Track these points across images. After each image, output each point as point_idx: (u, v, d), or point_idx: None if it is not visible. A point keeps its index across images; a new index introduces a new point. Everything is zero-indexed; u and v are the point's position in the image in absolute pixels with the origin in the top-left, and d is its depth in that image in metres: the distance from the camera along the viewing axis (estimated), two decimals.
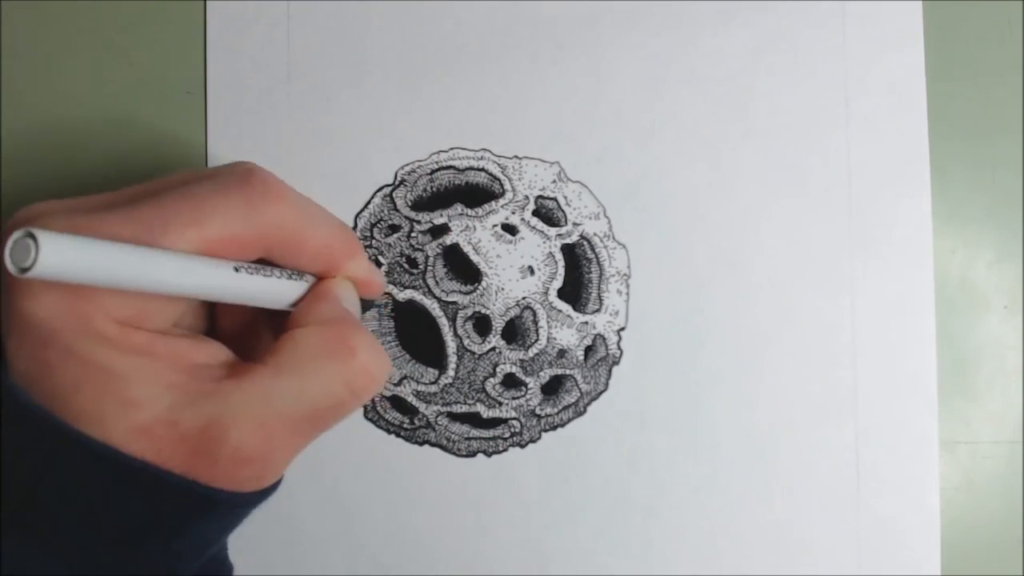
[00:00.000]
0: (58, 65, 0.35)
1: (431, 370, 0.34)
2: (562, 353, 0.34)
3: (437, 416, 0.34)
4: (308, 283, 0.27)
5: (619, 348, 0.34)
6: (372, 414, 0.34)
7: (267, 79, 0.35)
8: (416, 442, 0.34)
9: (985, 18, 0.35)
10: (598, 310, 0.34)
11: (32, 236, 0.19)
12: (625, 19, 0.35)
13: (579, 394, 0.34)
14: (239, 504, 0.24)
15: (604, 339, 0.34)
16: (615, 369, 0.34)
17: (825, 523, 0.34)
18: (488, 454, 0.34)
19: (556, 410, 0.34)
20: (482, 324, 0.34)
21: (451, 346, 0.34)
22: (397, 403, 0.34)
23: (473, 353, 0.34)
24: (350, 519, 0.34)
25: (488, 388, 0.34)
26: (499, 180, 0.35)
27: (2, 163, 0.35)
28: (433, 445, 0.34)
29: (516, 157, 0.35)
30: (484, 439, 0.34)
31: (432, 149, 0.35)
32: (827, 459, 0.34)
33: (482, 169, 0.35)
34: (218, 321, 0.29)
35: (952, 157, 0.35)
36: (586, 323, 0.34)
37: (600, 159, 0.35)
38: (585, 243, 0.35)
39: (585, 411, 0.34)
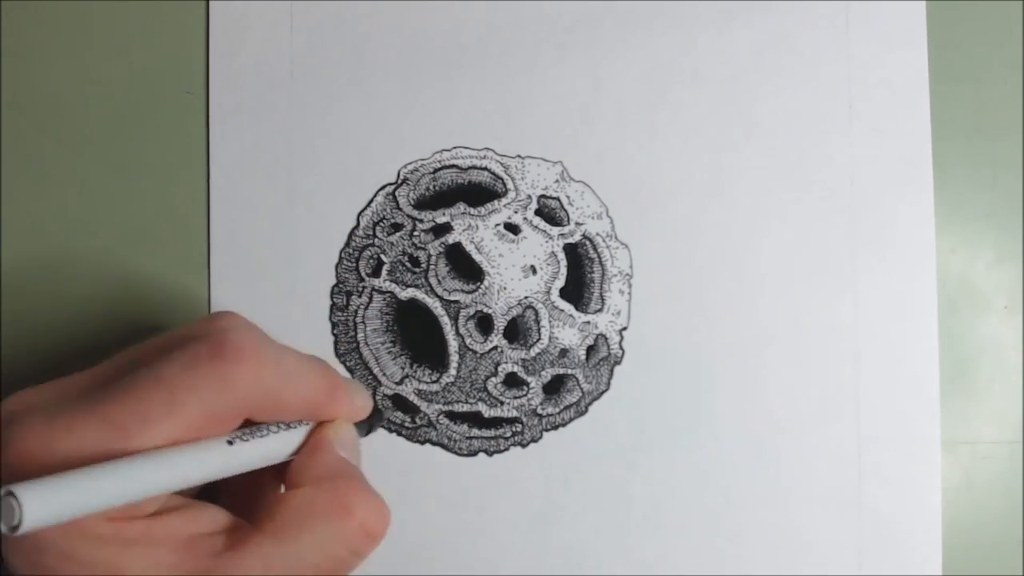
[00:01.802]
0: (58, 65, 0.35)
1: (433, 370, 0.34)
2: (564, 353, 0.34)
3: (438, 415, 0.34)
4: (304, 429, 0.27)
5: (621, 348, 0.34)
6: None
7: (270, 78, 0.35)
8: (417, 441, 0.34)
9: (987, 19, 0.35)
10: (600, 310, 0.34)
11: (12, 495, 0.20)
12: (628, 19, 0.35)
13: (581, 394, 0.34)
14: None
15: (606, 339, 0.34)
16: (617, 369, 0.34)
17: (826, 523, 0.34)
18: (489, 453, 0.34)
19: (558, 410, 0.34)
20: (484, 323, 0.34)
21: (453, 345, 0.34)
22: (399, 402, 0.34)
23: (475, 352, 0.34)
24: None
25: (490, 387, 0.34)
26: (502, 179, 0.35)
27: (2, 163, 0.35)
28: (434, 444, 0.34)
29: (519, 156, 0.35)
30: (485, 438, 0.34)
31: (435, 148, 0.35)
32: (829, 459, 0.34)
33: (485, 168, 0.35)
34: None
35: (953, 157, 0.35)
36: (588, 323, 0.34)
37: (603, 159, 0.35)
38: (587, 243, 0.35)
39: (587, 411, 0.34)
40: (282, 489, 0.27)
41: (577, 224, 0.35)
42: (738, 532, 0.34)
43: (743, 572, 0.34)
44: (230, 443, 0.24)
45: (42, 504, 0.20)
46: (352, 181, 0.35)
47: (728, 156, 0.35)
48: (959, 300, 0.35)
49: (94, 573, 0.23)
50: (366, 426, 0.29)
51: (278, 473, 0.27)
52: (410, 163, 0.35)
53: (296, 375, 0.26)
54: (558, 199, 0.35)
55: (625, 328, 0.34)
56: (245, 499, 0.27)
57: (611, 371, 0.34)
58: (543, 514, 0.34)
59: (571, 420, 0.34)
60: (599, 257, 0.35)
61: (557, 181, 0.35)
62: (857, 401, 0.34)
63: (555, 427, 0.34)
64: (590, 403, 0.34)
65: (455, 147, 0.35)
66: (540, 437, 0.34)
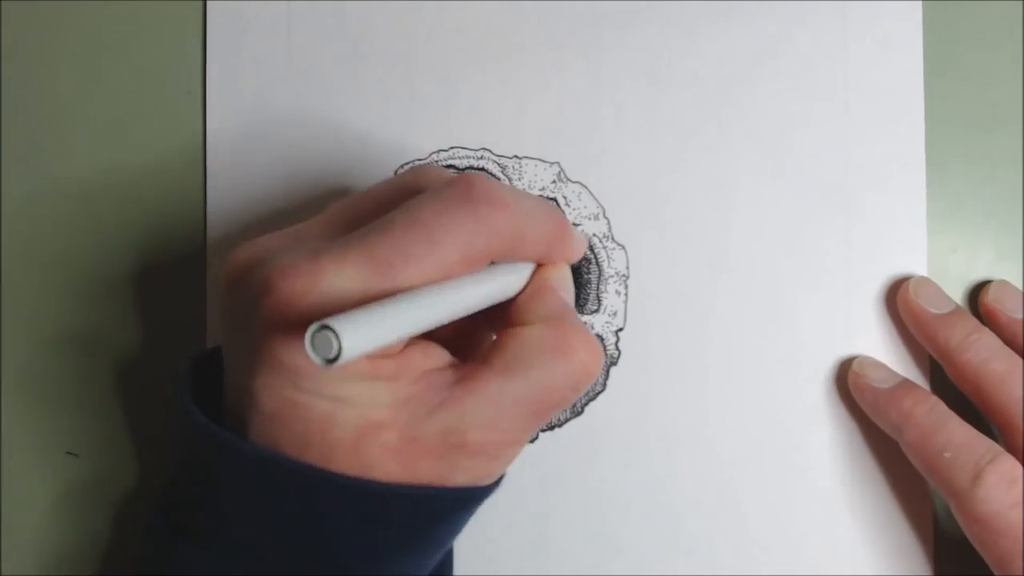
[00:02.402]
0: (57, 65, 0.35)
1: None
2: None
3: None
4: (529, 269, 0.28)
5: (617, 349, 0.34)
6: None
7: (267, 79, 0.35)
8: None
9: (985, 17, 0.35)
10: (597, 310, 0.35)
11: (330, 328, 0.20)
12: (625, 20, 0.35)
13: None
14: (479, 499, 0.27)
15: (602, 339, 0.34)
16: (613, 370, 0.34)
17: (822, 523, 0.34)
18: None
19: None
20: None
21: None
22: None
23: None
24: None
25: None
26: (499, 180, 0.35)
27: (2, 163, 0.35)
28: None
29: (516, 157, 0.35)
30: None
31: (432, 149, 0.35)
32: (823, 459, 0.34)
33: (482, 169, 0.35)
34: None
35: (951, 155, 0.35)
36: (584, 323, 0.34)
37: (600, 160, 0.35)
38: None
39: (583, 411, 0.34)
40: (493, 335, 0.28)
41: (574, 225, 0.35)
42: (734, 533, 0.34)
43: (739, 572, 0.34)
44: (478, 284, 0.25)
45: (357, 335, 0.21)
46: (349, 182, 0.35)
47: (725, 157, 0.35)
48: (958, 300, 0.34)
49: (345, 406, 0.24)
50: None
51: (490, 319, 0.28)
52: (407, 164, 0.35)
53: (535, 217, 0.27)
54: (555, 200, 0.35)
55: (621, 329, 0.34)
56: (458, 343, 0.28)
57: (607, 372, 0.34)
58: (539, 515, 0.34)
59: (567, 421, 0.34)
60: (596, 258, 0.35)
61: (554, 182, 0.35)
62: (852, 401, 0.34)
63: (551, 428, 0.34)
64: (586, 404, 0.34)
65: (452, 147, 0.35)
66: (536, 438, 0.34)
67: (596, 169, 0.35)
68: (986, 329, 0.32)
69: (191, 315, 0.35)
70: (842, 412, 0.34)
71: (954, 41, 0.35)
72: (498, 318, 0.27)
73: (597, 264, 0.35)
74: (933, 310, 0.33)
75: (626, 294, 0.35)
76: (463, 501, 0.26)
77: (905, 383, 0.33)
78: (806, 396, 0.34)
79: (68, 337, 0.35)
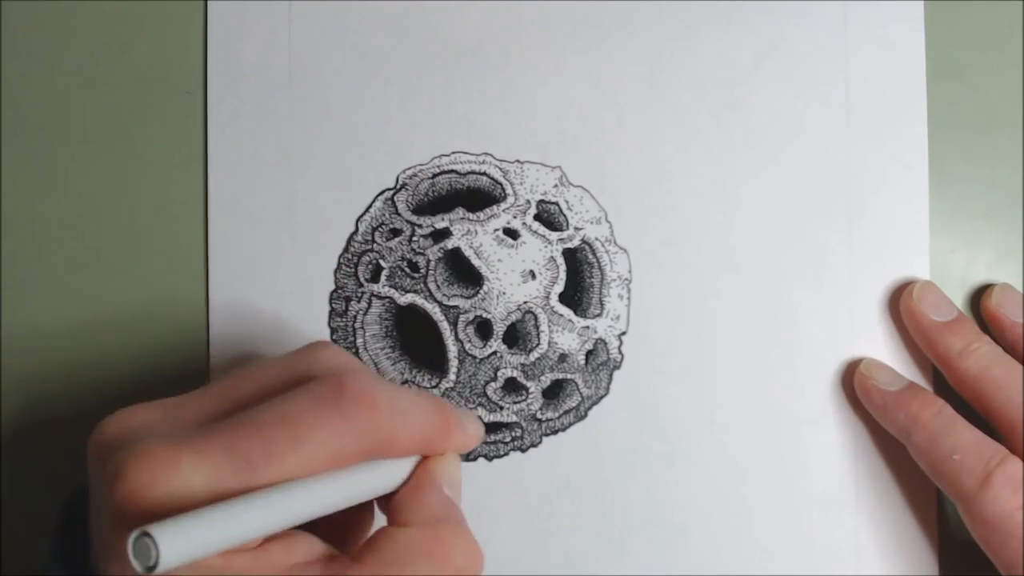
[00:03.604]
0: (57, 65, 0.35)
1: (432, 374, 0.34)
2: (563, 357, 0.34)
3: None
4: (411, 462, 0.27)
5: (620, 352, 0.34)
6: None
7: (268, 81, 0.35)
8: None
9: (985, 17, 0.35)
10: (599, 314, 0.35)
11: (149, 536, 0.20)
12: (627, 23, 0.35)
13: (580, 398, 0.34)
14: None
15: (605, 343, 0.34)
16: (616, 374, 0.34)
17: (825, 524, 0.34)
18: (489, 458, 0.34)
19: (557, 414, 0.34)
20: (483, 328, 0.34)
21: (452, 350, 0.34)
22: None
23: (474, 357, 0.34)
24: None
25: (489, 392, 0.34)
26: (501, 184, 0.35)
27: (2, 163, 0.35)
28: None
29: (518, 161, 0.35)
30: (485, 443, 0.34)
31: (434, 153, 0.35)
32: (827, 462, 0.34)
33: (484, 173, 0.35)
34: None
35: (952, 155, 0.35)
36: (587, 327, 0.34)
37: (602, 164, 0.35)
38: (586, 247, 0.35)
39: (586, 415, 0.34)
40: (381, 520, 0.28)
41: (576, 229, 0.35)
42: (738, 536, 0.34)
43: (743, 574, 0.34)
44: (345, 479, 0.25)
45: (178, 545, 0.20)
46: (351, 186, 0.34)
47: (727, 160, 0.35)
48: (958, 300, 0.34)
49: None
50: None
51: (370, 504, 0.28)
52: (409, 168, 0.35)
53: (411, 415, 0.26)
54: (557, 204, 0.35)
55: (624, 333, 0.34)
56: (337, 528, 0.28)
57: (610, 376, 0.34)
58: (543, 519, 0.34)
59: (570, 425, 0.34)
60: (598, 262, 0.35)
61: (556, 186, 0.35)
62: (855, 403, 0.34)
63: (555, 432, 0.34)
64: (589, 408, 0.34)
65: (454, 152, 0.35)
66: (540, 442, 0.34)
67: (598, 173, 0.35)
68: (986, 337, 0.33)
69: (191, 319, 0.34)
70: (846, 414, 0.34)
71: (954, 41, 0.35)
72: (385, 503, 0.27)
73: (600, 268, 0.35)
74: (935, 317, 0.33)
75: (629, 298, 0.34)
76: None
77: (912, 386, 0.33)
78: (809, 398, 0.34)
79: (65, 341, 0.35)
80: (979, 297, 0.34)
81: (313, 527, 0.26)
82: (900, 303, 0.34)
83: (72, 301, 0.35)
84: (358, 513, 0.29)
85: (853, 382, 0.34)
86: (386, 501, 0.27)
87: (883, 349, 0.34)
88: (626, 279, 0.35)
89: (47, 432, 0.35)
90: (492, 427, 0.34)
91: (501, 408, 0.34)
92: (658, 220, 0.35)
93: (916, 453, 0.32)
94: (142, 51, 0.35)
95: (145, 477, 0.23)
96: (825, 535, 0.34)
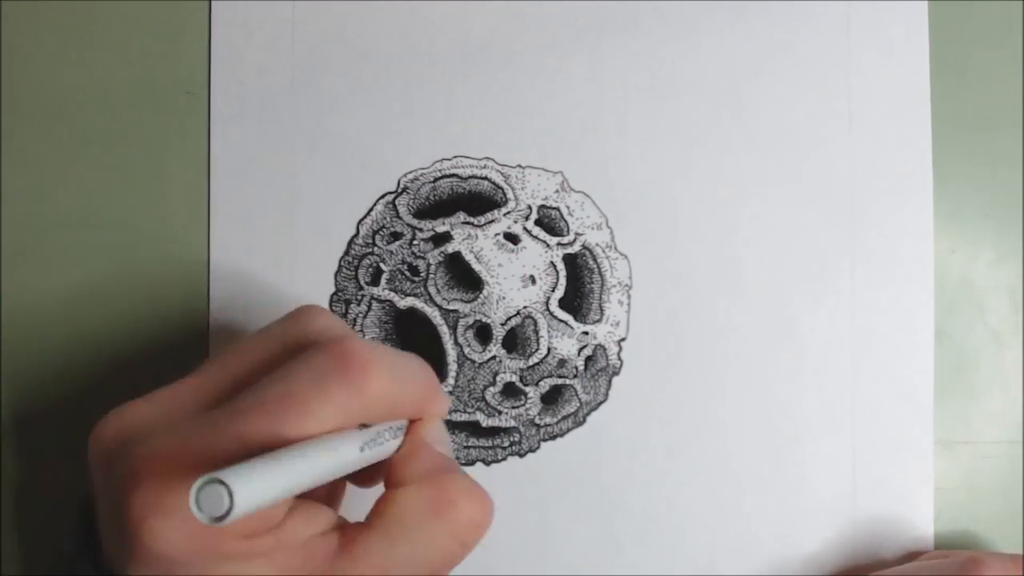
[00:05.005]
0: (59, 65, 0.35)
1: None
2: (562, 363, 0.34)
3: None
4: (403, 426, 0.27)
5: (619, 359, 0.34)
6: None
7: (271, 84, 0.35)
8: None
9: (985, 17, 0.35)
10: (599, 320, 0.34)
11: (222, 482, 0.19)
12: (629, 27, 0.35)
13: (579, 404, 0.34)
14: None
15: (605, 349, 0.34)
16: (615, 380, 0.34)
17: (823, 531, 0.34)
18: (487, 463, 0.34)
19: (555, 420, 0.34)
20: (483, 333, 0.34)
21: (451, 354, 0.34)
22: None
23: (473, 362, 0.34)
24: None
25: (488, 397, 0.34)
26: (502, 189, 0.35)
27: (2, 162, 0.35)
28: None
29: (519, 166, 0.35)
30: (483, 448, 0.34)
31: (435, 157, 0.35)
32: (825, 467, 0.34)
33: (485, 178, 0.35)
34: None
35: (952, 155, 0.35)
36: (587, 333, 0.34)
37: (603, 169, 0.35)
38: (587, 253, 0.35)
39: (585, 421, 0.34)
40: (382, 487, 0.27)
41: (577, 234, 0.35)
42: (737, 542, 0.34)
43: None
44: (361, 450, 0.25)
45: (251, 490, 0.20)
46: (352, 189, 0.34)
47: (728, 165, 0.35)
48: (959, 300, 0.34)
49: None
50: None
51: (366, 472, 0.27)
52: (410, 172, 0.35)
53: (407, 379, 0.26)
54: (558, 209, 0.35)
55: (624, 339, 0.34)
56: (334, 497, 0.28)
57: (609, 382, 0.34)
58: (541, 524, 0.34)
59: (569, 430, 0.34)
60: (599, 267, 0.35)
61: (557, 191, 0.35)
62: (853, 409, 0.34)
63: (553, 437, 0.34)
64: (588, 413, 0.34)
65: (456, 156, 0.35)
66: (538, 447, 0.34)
67: (600, 178, 0.35)
68: None
69: (192, 320, 0.34)
70: (845, 423, 0.34)
71: (954, 41, 0.35)
72: (374, 473, 0.27)
73: (600, 274, 0.35)
74: None
75: (629, 304, 0.34)
76: None
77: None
78: (809, 406, 0.34)
79: (66, 339, 0.35)
80: (977, 295, 0.34)
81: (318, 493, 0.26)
82: None
83: (73, 301, 0.35)
84: (331, 484, 0.28)
85: (852, 387, 0.34)
86: (377, 470, 0.27)
87: (881, 358, 0.34)
88: (626, 285, 0.35)
89: (48, 431, 0.35)
90: (490, 432, 0.34)
91: (500, 413, 0.34)
92: (659, 226, 0.35)
93: None
94: (145, 51, 0.35)
95: (153, 474, 0.23)
96: (823, 543, 0.34)
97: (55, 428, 0.35)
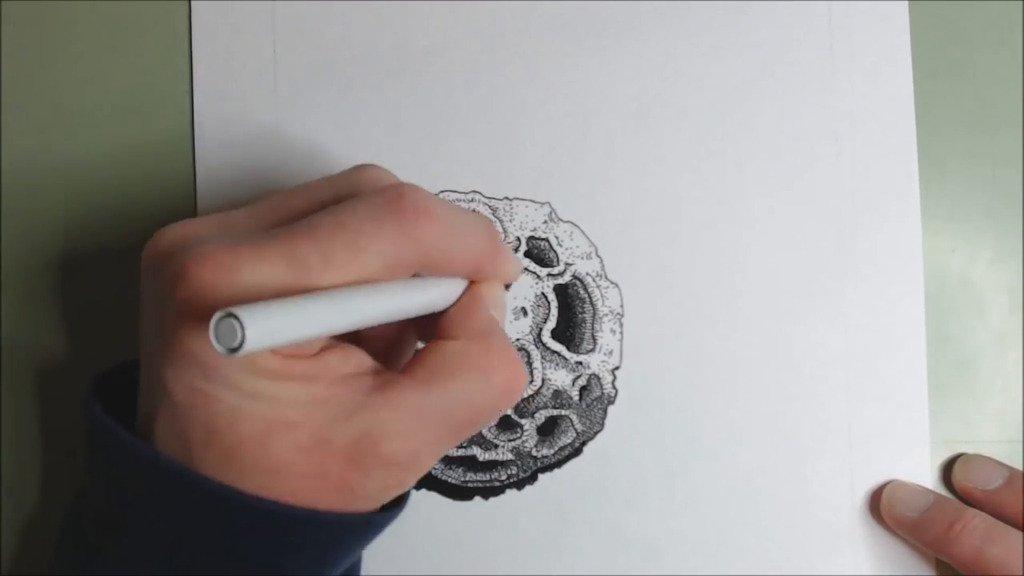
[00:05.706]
0: (50, 64, 0.35)
1: None
2: (557, 394, 0.34)
3: None
4: (462, 284, 0.27)
5: (614, 387, 0.34)
6: None
7: (254, 123, 0.34)
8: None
9: (986, 15, 0.35)
10: (592, 350, 0.34)
11: (235, 316, 0.20)
12: (612, 57, 0.35)
13: (575, 434, 0.34)
14: (388, 523, 0.27)
15: (599, 379, 0.34)
16: (611, 408, 0.34)
17: (823, 551, 0.34)
18: (485, 496, 0.34)
19: (552, 451, 0.34)
20: None
21: None
22: None
23: None
24: None
25: (483, 431, 0.34)
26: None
27: (2, 161, 0.35)
28: (430, 488, 0.34)
29: (507, 198, 0.35)
30: (481, 481, 0.34)
31: None
32: (825, 488, 0.34)
33: (473, 211, 0.34)
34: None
35: (951, 155, 0.35)
36: (580, 363, 0.34)
37: (591, 198, 0.34)
38: (578, 283, 0.35)
39: (581, 451, 0.34)
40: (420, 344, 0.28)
41: (567, 264, 0.35)
42: (737, 565, 0.34)
43: None
44: (405, 293, 0.25)
45: (262, 326, 0.20)
46: None
47: (716, 191, 0.34)
48: (959, 300, 0.35)
49: (254, 400, 0.23)
50: None
51: (418, 329, 0.28)
52: None
53: (466, 233, 0.26)
54: (547, 240, 0.35)
55: (618, 367, 0.34)
56: (380, 352, 0.28)
57: (605, 411, 0.34)
58: (541, 555, 0.34)
59: (566, 460, 0.34)
60: (590, 297, 0.34)
61: (546, 222, 0.35)
62: (851, 431, 0.34)
63: (550, 468, 0.34)
64: (584, 443, 0.34)
65: (443, 191, 0.34)
66: (536, 478, 0.34)
67: (587, 208, 0.34)
68: (968, 512, 0.32)
69: None
70: (842, 441, 0.34)
71: (954, 40, 0.35)
72: (430, 331, 0.27)
73: (591, 303, 0.34)
74: (910, 514, 0.33)
75: (621, 332, 0.34)
76: (370, 526, 0.26)
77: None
78: (805, 427, 0.34)
79: (64, 338, 0.35)
80: (977, 295, 0.34)
81: (366, 347, 0.26)
82: (881, 508, 0.34)
83: (70, 300, 0.35)
84: (402, 335, 0.29)
85: (847, 408, 0.34)
86: (433, 322, 0.27)
87: (875, 378, 0.34)
88: (618, 313, 0.34)
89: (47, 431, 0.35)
90: (487, 465, 0.34)
91: (496, 446, 0.34)
92: (648, 254, 0.34)
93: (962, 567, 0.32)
94: (131, 53, 0.35)
95: (208, 275, 0.23)
96: (824, 562, 0.34)
97: (54, 422, 0.35)
